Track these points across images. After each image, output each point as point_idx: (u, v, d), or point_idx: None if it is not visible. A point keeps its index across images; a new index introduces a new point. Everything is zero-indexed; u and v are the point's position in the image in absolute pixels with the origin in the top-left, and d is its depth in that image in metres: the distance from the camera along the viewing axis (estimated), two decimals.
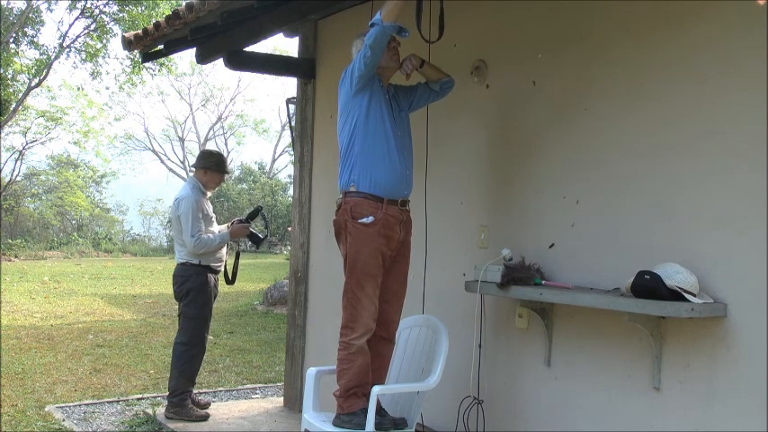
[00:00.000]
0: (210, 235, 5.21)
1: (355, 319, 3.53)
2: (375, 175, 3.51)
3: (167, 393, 5.34)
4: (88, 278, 15.75)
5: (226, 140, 35.83)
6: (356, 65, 3.53)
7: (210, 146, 35.57)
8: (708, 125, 2.89)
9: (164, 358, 7.63)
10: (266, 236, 5.67)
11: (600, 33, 3.35)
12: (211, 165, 5.35)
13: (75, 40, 19.81)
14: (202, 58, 5.60)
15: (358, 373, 3.52)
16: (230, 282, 5.59)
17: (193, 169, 5.46)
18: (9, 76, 19.27)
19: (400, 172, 3.58)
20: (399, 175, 3.58)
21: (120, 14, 18.63)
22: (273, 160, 33.73)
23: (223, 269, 5.49)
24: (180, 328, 5.42)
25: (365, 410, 3.48)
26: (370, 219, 3.49)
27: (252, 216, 5.55)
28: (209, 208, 5.37)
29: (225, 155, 6.45)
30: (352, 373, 3.52)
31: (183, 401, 5.18)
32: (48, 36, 68.40)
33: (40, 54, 19.93)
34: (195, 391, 6.23)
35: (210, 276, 5.33)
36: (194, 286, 5.28)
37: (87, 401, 5.82)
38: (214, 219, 5.42)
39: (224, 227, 5.54)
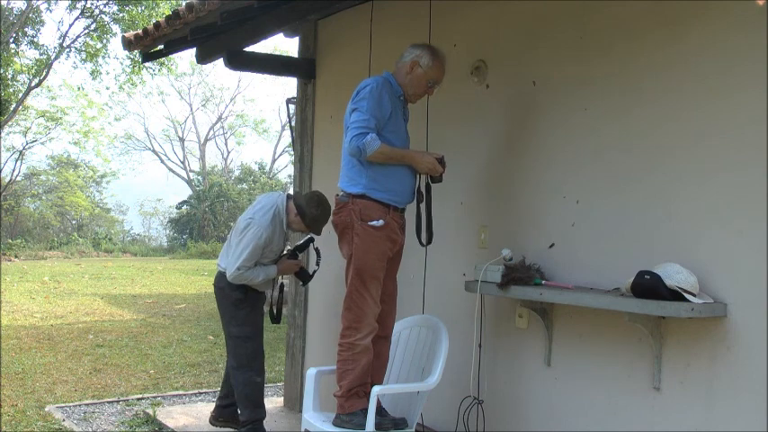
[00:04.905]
0: (255, 270, 4.49)
1: (360, 319, 3.54)
2: (390, 185, 3.56)
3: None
4: (88, 278, 15.76)
5: (226, 140, 35.92)
6: (351, 129, 3.49)
7: (210, 146, 35.64)
8: (708, 125, 2.88)
9: (164, 358, 7.64)
10: (315, 271, 4.86)
11: (599, 33, 3.35)
12: (309, 219, 4.52)
13: (76, 40, 19.86)
14: (202, 58, 5.60)
15: (362, 373, 3.54)
16: (276, 320, 4.85)
17: (291, 196, 4.67)
18: (9, 76, 19.29)
19: (411, 184, 3.65)
20: (411, 187, 3.65)
21: (120, 14, 18.65)
22: (273, 160, 33.77)
23: (270, 303, 4.87)
24: (227, 349, 4.77)
25: (365, 411, 3.49)
26: (381, 222, 3.52)
27: (301, 248, 4.77)
28: (281, 239, 4.61)
29: (321, 210, 4.43)
30: (356, 373, 3.53)
31: (255, 430, 4.62)
32: (48, 36, 68.43)
33: (40, 54, 19.98)
34: (194, 391, 6.24)
35: (251, 292, 4.61)
36: (230, 301, 4.61)
37: (87, 401, 5.82)
38: (279, 252, 4.65)
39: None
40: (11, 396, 5.90)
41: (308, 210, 4.51)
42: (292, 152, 6.22)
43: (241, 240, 4.45)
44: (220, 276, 4.63)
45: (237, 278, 4.46)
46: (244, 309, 4.60)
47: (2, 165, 24.50)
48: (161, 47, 5.58)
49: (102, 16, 19.19)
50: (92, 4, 19.06)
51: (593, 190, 3.34)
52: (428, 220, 3.73)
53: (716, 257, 2.83)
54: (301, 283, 4.94)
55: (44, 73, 20.19)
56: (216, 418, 4.85)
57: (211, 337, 8.75)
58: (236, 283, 4.51)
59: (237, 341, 4.61)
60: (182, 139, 35.17)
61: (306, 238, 4.82)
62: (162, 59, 15.60)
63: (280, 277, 4.82)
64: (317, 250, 4.83)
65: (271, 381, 6.70)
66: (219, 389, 5.01)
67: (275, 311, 4.83)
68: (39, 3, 19.03)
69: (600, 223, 3.30)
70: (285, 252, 4.74)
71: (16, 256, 21.91)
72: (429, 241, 3.75)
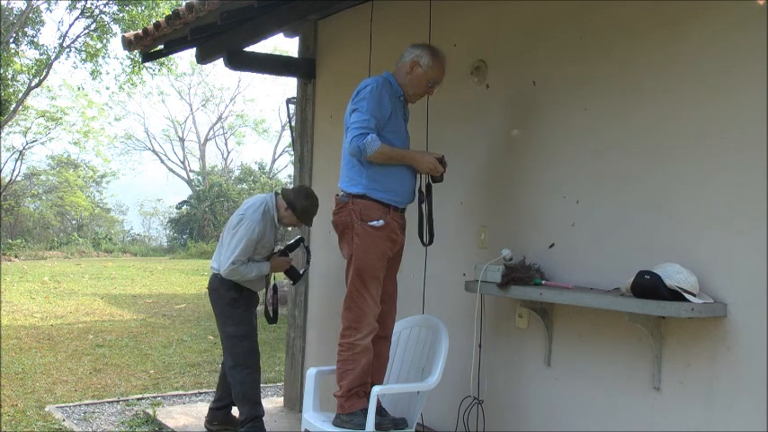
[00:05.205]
0: (248, 266, 4.56)
1: (360, 319, 3.54)
2: (390, 185, 3.56)
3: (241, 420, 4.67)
4: (88, 278, 15.75)
5: (226, 140, 35.89)
6: (351, 129, 3.49)
7: (210, 146, 35.63)
8: (708, 125, 2.88)
9: (164, 358, 7.64)
10: (305, 271, 5.04)
11: (599, 33, 3.35)
12: (297, 208, 4.63)
13: (76, 40, 19.86)
14: (202, 58, 5.60)
15: (362, 373, 3.54)
16: (272, 320, 4.92)
17: (279, 192, 4.74)
18: (9, 76, 19.29)
19: (412, 184, 3.65)
20: (411, 187, 3.66)
21: (120, 14, 18.64)
22: (273, 160, 33.76)
23: (264, 304, 4.98)
24: (223, 349, 4.81)
25: (365, 411, 3.49)
26: (381, 222, 3.52)
27: (291, 248, 4.88)
28: (273, 235, 4.70)
29: (311, 201, 4.75)
30: (356, 373, 3.53)
31: (255, 428, 4.62)
32: (48, 36, 68.45)
33: (40, 54, 19.98)
34: (194, 391, 6.25)
35: (245, 291, 4.69)
36: (225, 301, 4.67)
37: (87, 401, 5.82)
38: (271, 249, 4.73)
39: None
40: (11, 396, 5.90)
41: (298, 203, 4.63)
42: (292, 152, 6.22)
43: (234, 236, 4.54)
44: (214, 278, 4.72)
45: (232, 273, 4.53)
46: (239, 308, 4.66)
47: (2, 165, 24.52)
48: (161, 47, 5.58)
49: (102, 16, 19.19)
50: (92, 4, 19.07)
51: (593, 190, 3.34)
52: (429, 220, 3.73)
53: (716, 257, 2.83)
54: (291, 282, 5.03)
55: (44, 73, 20.19)
56: (210, 422, 4.86)
57: (211, 337, 8.75)
58: (230, 279, 4.58)
59: (234, 340, 4.65)
60: (182, 139, 35.17)
61: (296, 237, 4.96)
62: (162, 59, 15.60)
63: (273, 278, 4.90)
64: (306, 249, 4.95)
65: (271, 381, 6.71)
66: (215, 391, 5.02)
67: (271, 312, 4.90)
68: (39, 3, 19.03)
69: (600, 223, 3.30)
70: (276, 251, 4.82)
71: (16, 256, 21.91)
72: (430, 241, 3.75)
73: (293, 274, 4.91)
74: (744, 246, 2.74)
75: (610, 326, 3.21)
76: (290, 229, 5.26)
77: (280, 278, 5.10)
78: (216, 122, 35.10)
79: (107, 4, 18.94)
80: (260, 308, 4.91)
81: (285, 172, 32.62)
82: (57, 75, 44.50)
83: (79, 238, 27.30)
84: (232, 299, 4.63)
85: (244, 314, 4.68)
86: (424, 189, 3.72)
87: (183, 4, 5.07)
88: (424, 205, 3.73)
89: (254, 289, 4.75)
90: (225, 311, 4.67)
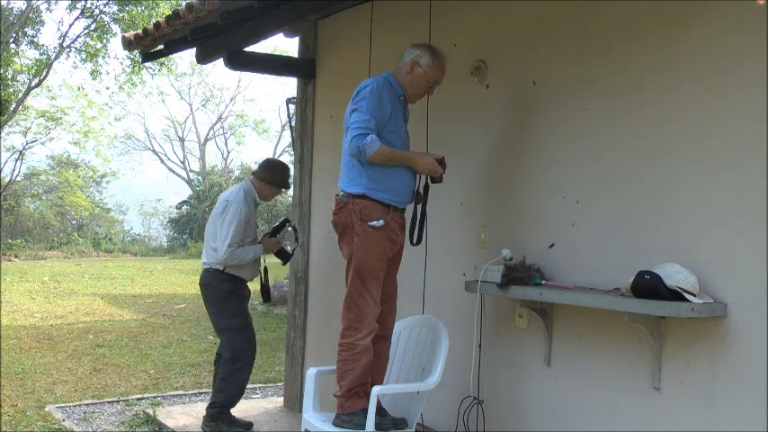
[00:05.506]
0: (245, 248, 4.72)
1: (360, 319, 3.54)
2: (390, 185, 3.55)
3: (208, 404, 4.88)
4: (88, 278, 15.76)
5: (226, 140, 35.89)
6: (351, 131, 3.49)
7: (210, 146, 35.64)
8: (708, 125, 2.88)
9: (164, 358, 7.64)
10: (294, 250, 5.24)
11: (599, 33, 3.35)
12: (276, 181, 4.95)
13: (76, 40, 19.86)
14: (202, 58, 5.60)
15: (362, 373, 3.54)
16: (267, 299, 5.30)
17: (252, 176, 5.00)
18: (9, 76, 19.29)
19: (411, 184, 3.65)
20: (411, 187, 3.66)
21: (120, 14, 18.65)
22: None
23: (260, 286, 5.15)
24: (221, 344, 4.93)
25: (365, 411, 3.49)
26: (381, 222, 3.52)
27: (278, 229, 5.11)
28: (255, 216, 4.94)
29: (283, 167, 5.05)
30: (356, 373, 3.53)
31: (221, 414, 4.80)
32: (48, 36, 68.46)
33: (40, 54, 19.99)
34: (194, 391, 6.25)
35: (239, 283, 4.83)
36: (219, 294, 4.79)
37: (87, 401, 5.82)
38: (255, 231, 4.94)
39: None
40: (11, 396, 5.90)
41: (275, 177, 4.93)
42: (292, 152, 6.22)
43: (224, 221, 4.69)
44: (206, 273, 4.81)
45: (230, 257, 4.64)
46: (234, 300, 4.77)
47: (2, 165, 24.53)
48: (161, 47, 5.58)
49: (102, 16, 19.19)
50: (92, 4, 19.07)
51: (593, 190, 3.34)
52: (421, 220, 3.72)
53: (716, 257, 2.83)
54: (282, 262, 5.16)
55: (44, 73, 20.20)
56: (207, 423, 4.87)
57: (211, 337, 8.75)
58: (223, 272, 4.69)
59: (231, 333, 4.77)
60: (182, 139, 35.18)
61: (281, 219, 5.20)
62: (162, 59, 15.60)
63: (263, 261, 5.04)
64: (294, 228, 5.19)
65: (271, 381, 6.71)
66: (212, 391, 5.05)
67: (264, 292, 5.13)
68: (39, 3, 19.04)
69: (600, 223, 3.30)
70: (265, 234, 5.02)
71: (16, 256, 21.92)
72: (419, 241, 3.75)
73: (284, 255, 5.07)
74: (744, 246, 2.74)
75: (610, 326, 3.21)
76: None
77: (280, 277, 5.13)
78: (216, 122, 35.12)
79: (107, 4, 18.94)
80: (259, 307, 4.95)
81: None
82: (57, 75, 44.53)
83: (79, 238, 27.32)
84: (227, 291, 4.74)
85: (238, 307, 4.80)
86: (422, 190, 3.72)
87: (183, 4, 5.07)
88: (419, 206, 3.73)
89: (246, 277, 4.85)
90: (219, 305, 4.77)
